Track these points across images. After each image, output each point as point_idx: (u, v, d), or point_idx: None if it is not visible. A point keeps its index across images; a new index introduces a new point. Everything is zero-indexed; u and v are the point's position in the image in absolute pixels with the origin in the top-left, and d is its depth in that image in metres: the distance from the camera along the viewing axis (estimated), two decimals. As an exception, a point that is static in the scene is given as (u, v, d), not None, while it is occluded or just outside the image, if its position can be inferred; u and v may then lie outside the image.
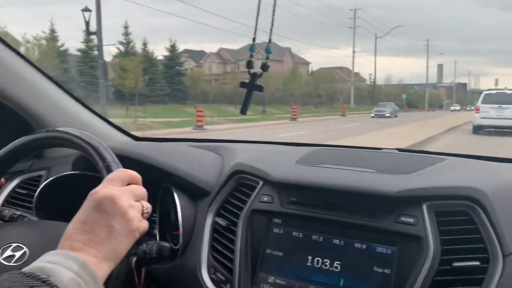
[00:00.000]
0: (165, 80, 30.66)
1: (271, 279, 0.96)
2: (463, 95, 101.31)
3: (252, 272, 0.97)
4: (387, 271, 0.86)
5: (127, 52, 29.57)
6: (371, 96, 52.47)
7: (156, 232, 1.20)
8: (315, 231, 0.95)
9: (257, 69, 0.98)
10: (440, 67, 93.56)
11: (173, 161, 1.19)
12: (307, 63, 60.61)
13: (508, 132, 14.22)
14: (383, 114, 30.30)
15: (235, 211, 1.06)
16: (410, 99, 70.38)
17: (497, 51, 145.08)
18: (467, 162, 1.18)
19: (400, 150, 1.32)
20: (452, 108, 63.75)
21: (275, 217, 1.00)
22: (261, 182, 1.04)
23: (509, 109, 15.03)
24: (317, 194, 0.97)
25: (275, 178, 1.01)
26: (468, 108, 72.29)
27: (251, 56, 0.96)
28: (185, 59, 55.82)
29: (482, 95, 16.44)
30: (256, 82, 0.98)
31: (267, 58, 0.97)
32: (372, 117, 29.31)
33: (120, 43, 29.34)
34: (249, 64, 0.97)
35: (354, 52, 46.92)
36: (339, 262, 0.91)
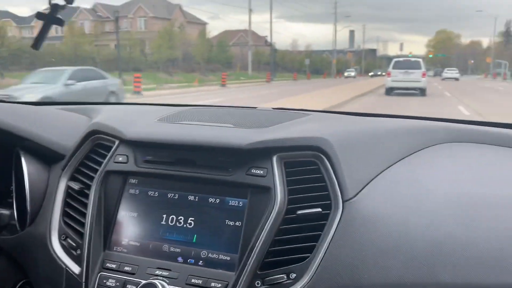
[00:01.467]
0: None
1: (124, 241, 0.96)
2: (372, 61, 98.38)
3: (104, 235, 0.97)
4: (238, 223, 0.89)
5: None
6: (273, 63, 44.46)
7: (13, 201, 1.14)
8: (171, 189, 0.96)
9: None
10: (351, 32, 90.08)
11: (21, 123, 1.12)
12: (203, 24, 51.40)
13: (413, 93, 18.40)
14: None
15: (91, 173, 1.04)
16: (317, 65, 64.91)
17: (403, 19, 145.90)
18: (327, 116, 1.24)
19: (275, 108, 1.36)
20: (346, 74, 56.08)
21: (131, 177, 0.99)
22: (116, 142, 1.03)
23: (414, 74, 18.35)
24: (172, 151, 0.97)
25: (128, 136, 1.00)
26: (371, 74, 67.67)
27: None
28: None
29: (393, 62, 19.84)
30: (57, 14, 0.90)
31: None
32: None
33: None
34: None
35: (250, 10, 38.23)
36: (193, 219, 0.93)
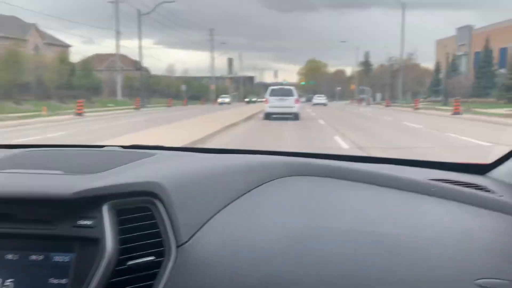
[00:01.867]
0: None
1: None
2: (250, 87, 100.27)
3: None
4: (63, 281, 0.81)
5: None
6: (146, 88, 40.90)
7: None
8: None
9: None
10: (230, 60, 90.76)
11: None
12: (65, 46, 45.87)
13: (288, 117, 19.73)
14: None
15: None
16: (196, 91, 62.41)
17: (277, 48, 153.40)
18: (175, 155, 1.19)
19: (125, 147, 1.30)
20: (220, 100, 53.88)
21: None
22: None
23: (288, 100, 20.22)
24: None
25: None
26: (246, 100, 67.50)
27: None
28: None
29: (269, 90, 21.35)
30: None
31: None
32: None
33: None
34: None
35: (118, 32, 34.43)
36: (12, 280, 0.82)
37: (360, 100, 58.21)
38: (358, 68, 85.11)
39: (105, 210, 0.81)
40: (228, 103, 52.03)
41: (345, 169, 1.08)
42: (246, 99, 69.48)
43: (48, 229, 0.82)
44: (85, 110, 26.62)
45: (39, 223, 0.82)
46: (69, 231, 0.81)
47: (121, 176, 0.89)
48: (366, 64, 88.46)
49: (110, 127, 16.50)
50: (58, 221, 0.82)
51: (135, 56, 41.06)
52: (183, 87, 47.94)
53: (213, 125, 14.92)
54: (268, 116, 20.24)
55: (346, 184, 1.03)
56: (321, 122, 19.10)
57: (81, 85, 36.09)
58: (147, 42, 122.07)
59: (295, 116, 19.91)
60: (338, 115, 26.53)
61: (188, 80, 64.15)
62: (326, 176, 1.05)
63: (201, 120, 19.69)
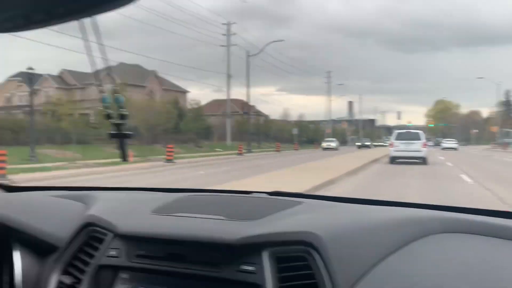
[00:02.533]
0: None
1: None
2: (371, 130, 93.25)
3: None
4: None
5: None
6: (258, 133, 38.20)
7: None
8: (161, 285, 0.92)
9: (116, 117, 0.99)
10: (350, 103, 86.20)
11: (17, 214, 1.10)
12: (183, 92, 45.90)
13: (414, 162, 19.20)
14: None
15: (83, 267, 1.00)
16: (312, 134, 58.18)
17: (400, 90, 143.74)
18: (321, 205, 1.18)
19: (270, 193, 1.34)
20: (324, 145, 46.45)
21: (122, 272, 0.95)
22: (110, 235, 1.00)
23: (414, 144, 19.48)
24: (163, 246, 0.94)
25: (121, 230, 0.97)
26: (358, 144, 57.91)
27: (107, 107, 0.99)
28: (19, 83, 39.54)
29: (395, 134, 20.99)
30: (123, 129, 1.01)
31: (120, 107, 0.98)
32: None
33: None
34: (108, 116, 0.99)
35: (229, 76, 32.38)
36: None
37: (506, 145, 48.26)
38: (497, 109, 72.96)
39: (266, 257, 0.83)
40: (335, 149, 43.80)
41: (504, 227, 0.97)
42: (358, 143, 59.33)
43: (215, 271, 0.85)
44: (183, 155, 24.18)
45: (207, 266, 0.85)
46: (234, 275, 0.83)
47: (278, 224, 0.90)
48: (507, 104, 75.69)
49: (178, 180, 13.02)
50: (224, 264, 0.85)
51: (255, 102, 39.36)
52: (295, 131, 44.27)
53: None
54: (393, 160, 19.90)
55: (505, 244, 0.93)
56: (467, 179, 12.77)
57: (188, 129, 34.68)
58: (270, 89, 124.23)
59: (423, 161, 19.30)
60: (488, 168, 19.73)
61: (303, 124, 60.40)
62: (481, 234, 0.96)
63: (292, 172, 15.28)
